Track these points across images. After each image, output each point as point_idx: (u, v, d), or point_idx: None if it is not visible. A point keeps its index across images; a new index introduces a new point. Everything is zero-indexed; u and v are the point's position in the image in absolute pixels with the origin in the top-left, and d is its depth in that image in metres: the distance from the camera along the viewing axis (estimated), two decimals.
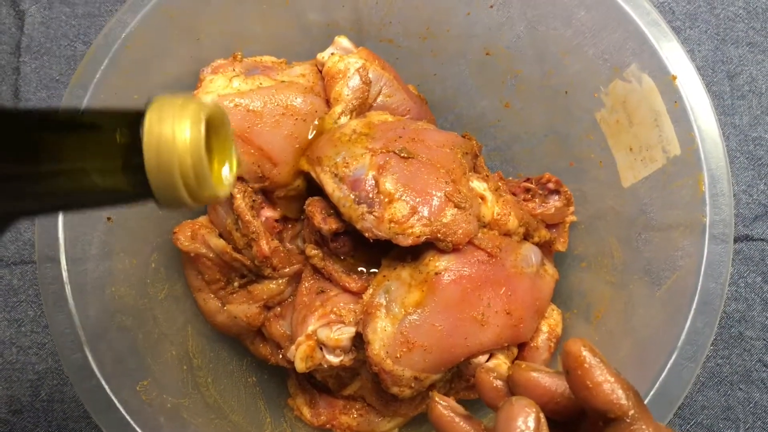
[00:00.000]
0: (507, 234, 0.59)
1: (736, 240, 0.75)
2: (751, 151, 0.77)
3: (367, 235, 0.55)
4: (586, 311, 0.64)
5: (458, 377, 0.61)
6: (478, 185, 0.59)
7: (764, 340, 0.73)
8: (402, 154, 0.57)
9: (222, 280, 0.62)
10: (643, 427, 0.36)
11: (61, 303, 0.54)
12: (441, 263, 0.55)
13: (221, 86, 0.59)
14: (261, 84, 0.60)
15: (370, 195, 0.55)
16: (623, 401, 0.36)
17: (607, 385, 0.36)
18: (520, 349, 0.62)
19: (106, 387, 0.52)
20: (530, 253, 0.60)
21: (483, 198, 0.58)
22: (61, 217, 0.55)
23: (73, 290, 0.54)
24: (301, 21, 0.67)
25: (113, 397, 0.52)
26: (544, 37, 0.64)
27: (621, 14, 0.58)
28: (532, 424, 0.35)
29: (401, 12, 0.68)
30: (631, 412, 0.36)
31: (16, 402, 0.72)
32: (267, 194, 0.62)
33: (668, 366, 0.52)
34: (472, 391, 0.62)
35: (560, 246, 0.66)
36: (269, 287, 0.62)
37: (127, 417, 0.52)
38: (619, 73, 0.59)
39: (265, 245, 0.59)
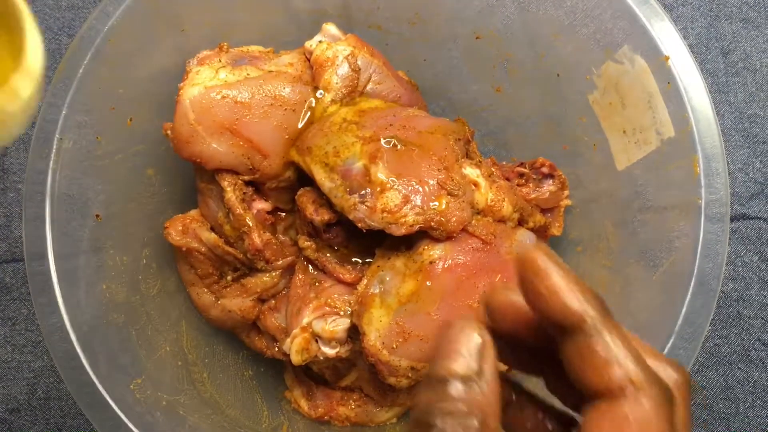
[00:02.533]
0: (501, 220, 0.59)
1: (732, 219, 0.74)
2: (746, 129, 0.76)
3: (359, 225, 0.54)
4: None
5: None
6: (471, 171, 0.58)
7: (762, 318, 0.73)
8: (393, 142, 0.56)
9: (215, 274, 0.62)
10: (607, 339, 0.29)
11: (51, 301, 0.53)
12: (435, 252, 0.55)
13: (208, 78, 0.58)
14: (248, 74, 0.59)
15: (362, 184, 0.55)
16: (579, 307, 0.29)
17: (564, 290, 0.30)
18: None
19: (99, 385, 0.52)
20: (525, 238, 0.59)
21: (476, 184, 0.58)
22: (48, 215, 0.54)
23: (64, 288, 0.53)
24: (288, 8, 0.66)
25: (107, 395, 0.52)
26: (535, 18, 0.63)
27: None
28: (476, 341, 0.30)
29: None
30: (590, 320, 0.29)
31: (12, 400, 0.72)
32: (258, 186, 0.61)
33: (667, 348, 0.51)
34: None
35: (555, 230, 0.65)
36: (263, 280, 0.62)
37: (121, 415, 0.51)
38: (611, 55, 0.58)
39: (257, 238, 0.59)
